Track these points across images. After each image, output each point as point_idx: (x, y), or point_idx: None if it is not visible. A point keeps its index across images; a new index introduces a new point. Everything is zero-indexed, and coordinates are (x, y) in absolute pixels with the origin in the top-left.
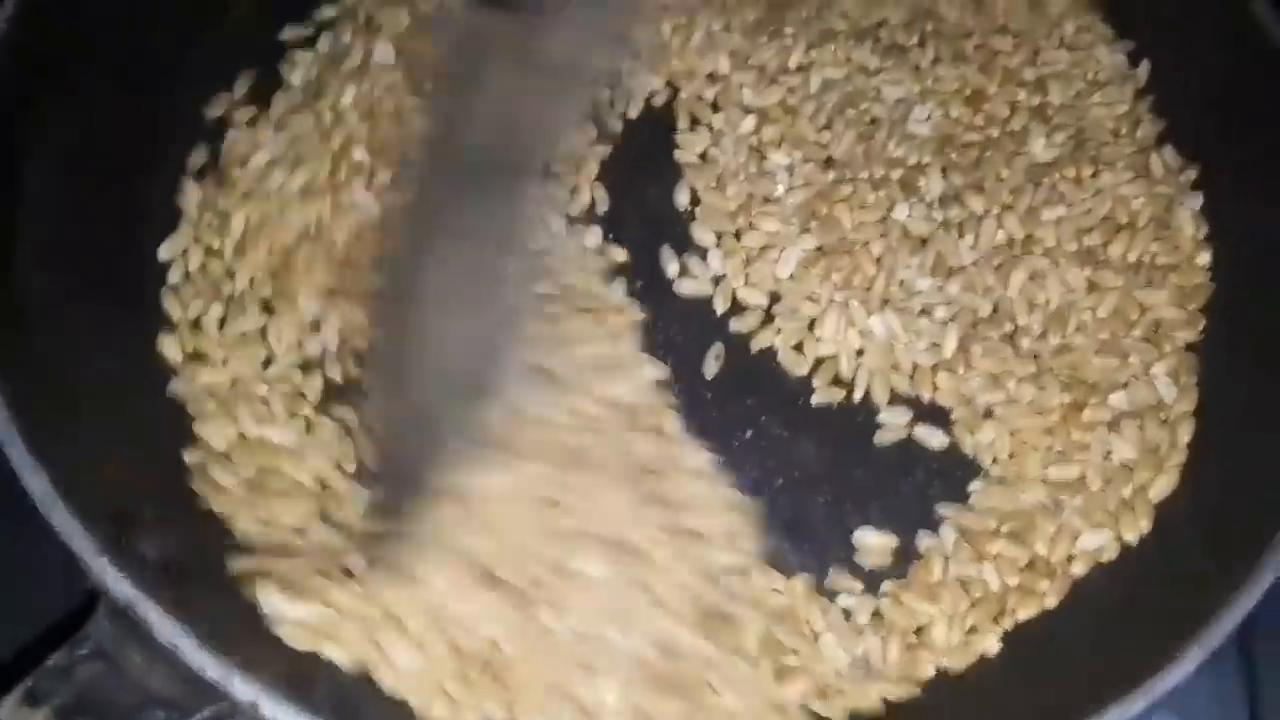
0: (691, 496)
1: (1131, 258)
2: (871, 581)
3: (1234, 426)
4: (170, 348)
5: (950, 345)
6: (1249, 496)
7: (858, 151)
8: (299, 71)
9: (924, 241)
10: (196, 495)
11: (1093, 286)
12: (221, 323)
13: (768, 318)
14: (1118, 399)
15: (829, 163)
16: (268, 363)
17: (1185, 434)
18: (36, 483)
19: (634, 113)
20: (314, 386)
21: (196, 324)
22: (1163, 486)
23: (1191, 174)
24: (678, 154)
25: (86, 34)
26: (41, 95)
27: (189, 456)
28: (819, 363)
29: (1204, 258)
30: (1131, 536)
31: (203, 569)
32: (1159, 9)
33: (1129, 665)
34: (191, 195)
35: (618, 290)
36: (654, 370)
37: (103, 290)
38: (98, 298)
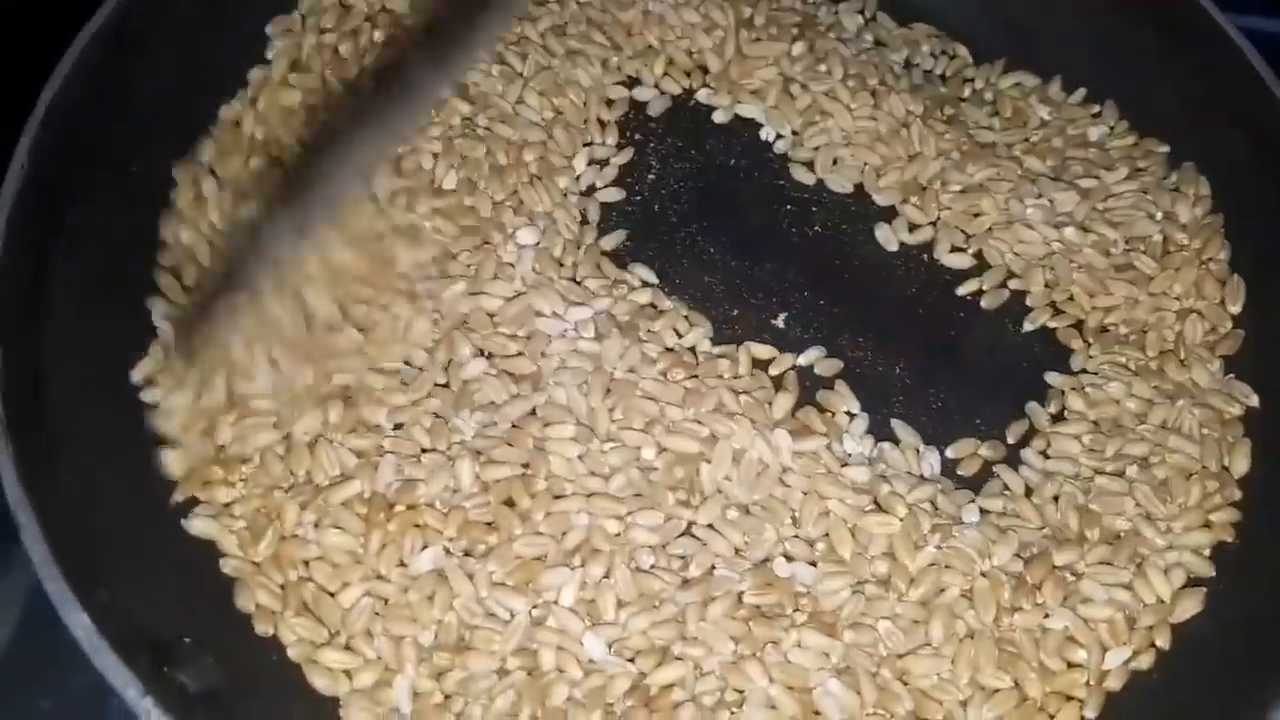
0: None
1: None
2: None
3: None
4: (175, 463)
5: None
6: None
7: None
8: None
9: None
10: (235, 617)
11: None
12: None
13: None
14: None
15: None
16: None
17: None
18: (79, 621)
19: None
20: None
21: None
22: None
23: None
24: None
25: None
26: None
27: (226, 567)
28: None
29: None
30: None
31: (248, 697)
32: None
33: None
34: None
35: None
36: None
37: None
38: (123, 426)
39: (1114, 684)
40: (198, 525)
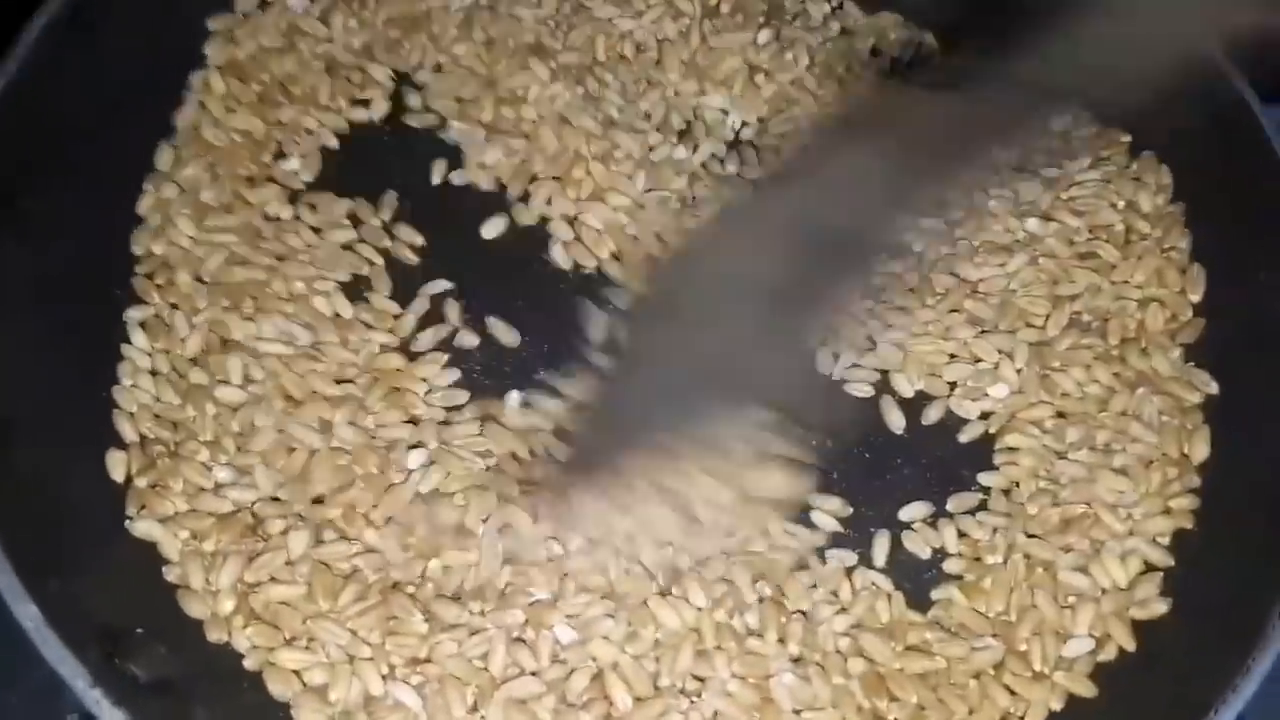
0: None
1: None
2: None
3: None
4: (117, 468)
5: None
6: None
7: None
8: None
9: None
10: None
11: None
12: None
13: None
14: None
15: None
16: None
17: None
18: (27, 612)
19: None
20: None
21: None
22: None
23: None
24: None
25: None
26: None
27: (169, 574)
28: None
29: None
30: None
31: (201, 686)
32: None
33: None
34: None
35: None
36: None
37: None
38: (77, 411)
39: (1079, 675)
40: (141, 528)
